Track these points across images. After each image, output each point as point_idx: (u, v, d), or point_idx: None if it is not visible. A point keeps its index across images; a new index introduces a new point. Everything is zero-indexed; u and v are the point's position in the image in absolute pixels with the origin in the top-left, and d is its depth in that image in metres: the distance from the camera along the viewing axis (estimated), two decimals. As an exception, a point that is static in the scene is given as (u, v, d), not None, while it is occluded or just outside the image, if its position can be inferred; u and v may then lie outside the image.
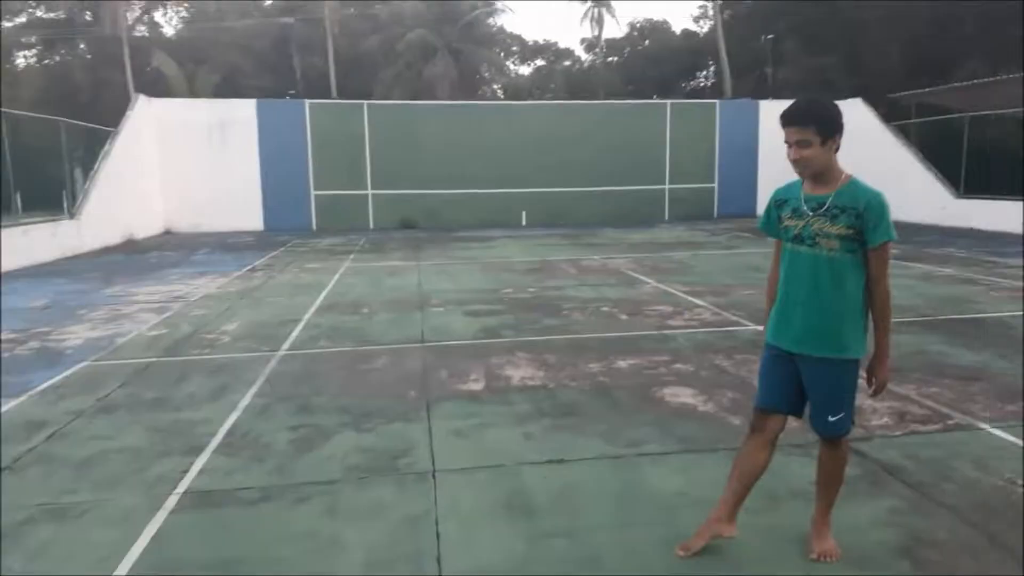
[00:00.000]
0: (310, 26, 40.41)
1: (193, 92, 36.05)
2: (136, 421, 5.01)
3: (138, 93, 21.62)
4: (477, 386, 5.72)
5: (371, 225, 22.53)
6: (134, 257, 15.61)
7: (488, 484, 3.93)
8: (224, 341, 7.41)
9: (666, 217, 23.63)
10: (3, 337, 7.80)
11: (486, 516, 3.55)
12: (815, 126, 2.78)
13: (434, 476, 4.02)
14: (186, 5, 45.46)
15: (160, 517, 3.57)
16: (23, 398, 5.59)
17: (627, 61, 48.22)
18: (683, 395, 5.34)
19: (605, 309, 8.75)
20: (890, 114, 23.95)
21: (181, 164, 21.28)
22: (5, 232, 13.72)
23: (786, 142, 2.85)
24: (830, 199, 2.83)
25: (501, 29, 44.64)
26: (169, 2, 39.76)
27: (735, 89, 34.67)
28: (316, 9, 38.30)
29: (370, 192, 22.52)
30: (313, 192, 22.19)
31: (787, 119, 2.82)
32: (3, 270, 13.36)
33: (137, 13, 42.40)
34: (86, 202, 16.90)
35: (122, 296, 10.34)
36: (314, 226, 22.20)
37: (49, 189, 16.68)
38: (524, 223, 22.67)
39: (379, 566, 3.11)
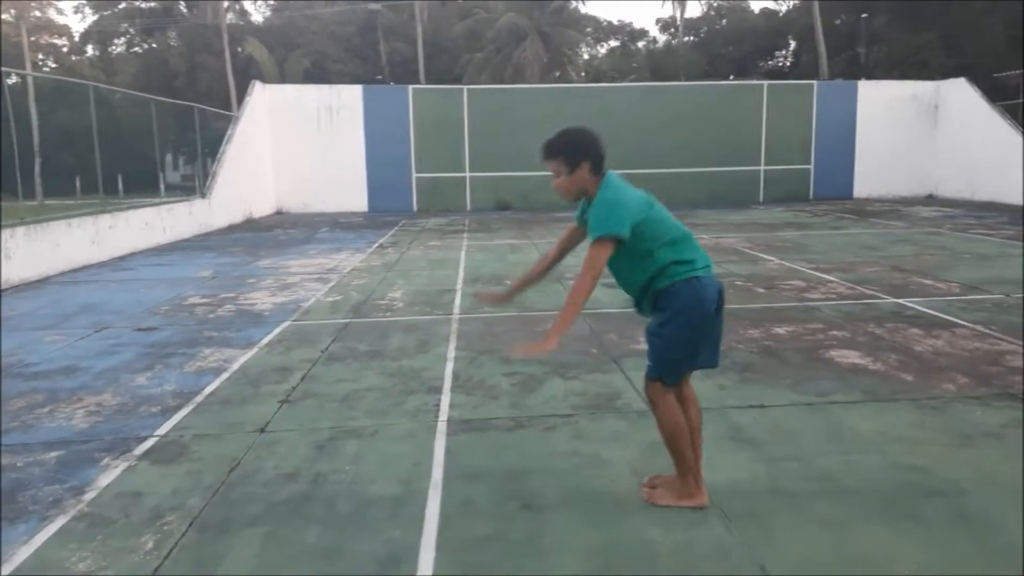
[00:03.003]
0: (395, 12, 41.50)
1: (283, 77, 37.55)
2: (366, 368, 5.77)
3: (254, 80, 22.75)
4: (651, 346, 6.29)
5: (468, 207, 23.30)
6: (261, 235, 16.71)
7: (706, 422, 4.48)
8: (399, 306, 8.18)
9: (760, 199, 23.74)
10: (198, 300, 8.77)
11: (719, 445, 4.14)
12: (561, 157, 3.18)
13: (655, 414, 4.62)
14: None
15: (440, 438, 4.28)
16: (255, 350, 6.43)
17: (704, 41, 47.85)
18: (851, 356, 5.82)
19: (739, 283, 9.21)
20: (994, 94, 23.44)
21: (292, 147, 22.45)
22: (153, 210, 14.94)
23: None
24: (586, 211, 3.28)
25: (576, 10, 44.91)
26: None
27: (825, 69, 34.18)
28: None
29: (468, 175, 23.29)
30: (415, 174, 23.09)
31: (542, 155, 3.23)
32: (159, 242, 14.59)
33: (228, 1, 44.22)
34: (214, 183, 18.09)
35: (277, 268, 11.28)
36: (415, 207, 23.11)
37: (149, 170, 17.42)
38: (617, 204, 23.03)
39: (647, 476, 3.74)
